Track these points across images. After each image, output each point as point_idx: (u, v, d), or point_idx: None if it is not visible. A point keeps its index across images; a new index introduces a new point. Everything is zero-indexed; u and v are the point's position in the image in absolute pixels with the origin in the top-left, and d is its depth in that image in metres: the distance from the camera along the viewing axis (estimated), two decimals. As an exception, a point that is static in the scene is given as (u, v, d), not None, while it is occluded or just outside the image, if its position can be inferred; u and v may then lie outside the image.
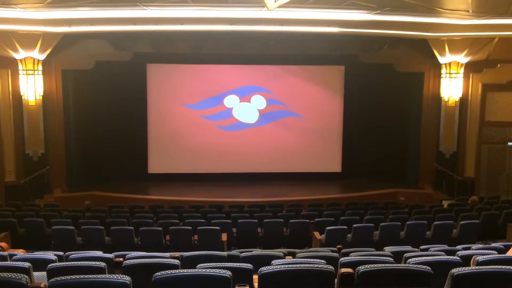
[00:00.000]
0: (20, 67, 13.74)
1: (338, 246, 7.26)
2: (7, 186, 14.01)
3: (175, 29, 12.54)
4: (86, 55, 14.49)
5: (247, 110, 16.39)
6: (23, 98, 13.91)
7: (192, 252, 6.12)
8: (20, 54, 13.62)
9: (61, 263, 5.29)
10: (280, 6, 7.64)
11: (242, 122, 16.43)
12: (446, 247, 6.96)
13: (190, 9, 10.58)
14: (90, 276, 3.67)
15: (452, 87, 14.85)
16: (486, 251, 6.08)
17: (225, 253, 6.34)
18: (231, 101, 16.29)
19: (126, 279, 3.56)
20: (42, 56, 13.82)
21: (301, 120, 16.55)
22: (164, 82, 16.11)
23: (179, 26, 12.02)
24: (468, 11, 10.42)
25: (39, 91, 14.01)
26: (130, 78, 15.54)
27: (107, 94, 15.31)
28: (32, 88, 13.86)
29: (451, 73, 14.73)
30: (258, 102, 16.41)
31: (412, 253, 5.91)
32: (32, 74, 13.80)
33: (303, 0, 9.27)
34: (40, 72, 13.96)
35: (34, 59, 13.72)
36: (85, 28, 12.36)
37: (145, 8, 10.32)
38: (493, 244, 7.25)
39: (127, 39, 14.03)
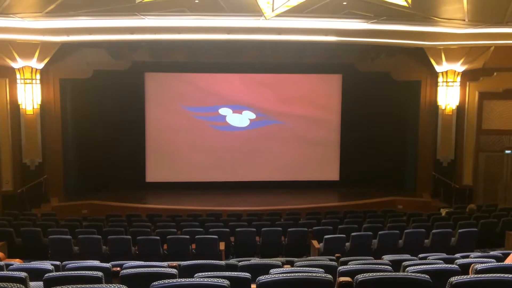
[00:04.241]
0: (18, 76, 13.77)
1: (337, 254, 7.22)
2: (4, 195, 13.95)
3: (173, 38, 12.59)
4: (84, 64, 14.52)
5: (240, 117, 16.44)
6: (20, 107, 13.92)
7: (190, 261, 6.10)
8: (18, 63, 13.64)
9: (58, 273, 5.27)
10: (277, 15, 7.66)
11: (235, 127, 16.43)
12: (444, 255, 6.96)
13: (188, 19, 10.61)
14: (87, 285, 3.67)
15: (449, 96, 14.92)
16: (485, 259, 6.08)
17: (223, 262, 6.32)
18: (225, 111, 16.39)
19: (124, 288, 3.54)
20: (40, 65, 13.84)
21: (299, 128, 16.55)
22: (162, 90, 16.14)
23: (177, 35, 12.08)
24: (464, 20, 10.47)
25: (37, 100, 14.02)
26: (128, 87, 15.58)
27: (105, 103, 15.35)
28: (30, 97, 13.88)
29: (448, 82, 14.80)
30: (257, 108, 16.48)
31: (410, 262, 5.91)
32: (30, 83, 13.82)
33: (300, 9, 9.27)
34: (38, 81, 13.98)
35: (32, 68, 13.75)
36: (83, 37, 12.40)
37: (143, 18, 10.37)
38: (492, 252, 7.24)
39: (125, 48, 14.05)
